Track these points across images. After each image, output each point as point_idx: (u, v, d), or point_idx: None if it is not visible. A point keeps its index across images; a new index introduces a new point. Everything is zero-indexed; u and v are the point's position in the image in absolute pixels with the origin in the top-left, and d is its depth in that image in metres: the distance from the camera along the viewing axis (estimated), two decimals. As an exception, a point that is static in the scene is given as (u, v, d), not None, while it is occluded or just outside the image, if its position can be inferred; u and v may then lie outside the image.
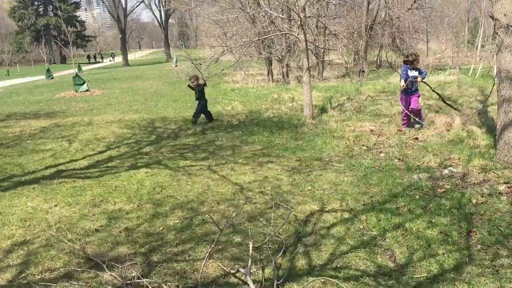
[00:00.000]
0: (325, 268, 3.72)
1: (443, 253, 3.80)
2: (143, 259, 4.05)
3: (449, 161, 6.26)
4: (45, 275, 3.84)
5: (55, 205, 5.48)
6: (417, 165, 6.14)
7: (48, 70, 30.60)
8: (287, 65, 17.82)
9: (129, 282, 3.63)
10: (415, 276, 3.51)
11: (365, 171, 6.08)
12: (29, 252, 4.29)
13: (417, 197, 5.04)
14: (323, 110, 10.82)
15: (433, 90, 8.62)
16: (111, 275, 3.74)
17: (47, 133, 10.08)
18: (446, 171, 5.81)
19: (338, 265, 3.74)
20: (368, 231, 4.35)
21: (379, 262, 3.76)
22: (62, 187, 6.15)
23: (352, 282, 3.47)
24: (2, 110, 14.50)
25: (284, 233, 4.44)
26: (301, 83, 11.13)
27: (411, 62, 8.19)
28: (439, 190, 5.21)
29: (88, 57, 65.79)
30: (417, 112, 8.18)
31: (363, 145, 7.42)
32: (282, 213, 4.93)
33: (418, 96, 8.34)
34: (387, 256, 3.85)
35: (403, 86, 8.13)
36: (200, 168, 6.76)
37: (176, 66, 32.87)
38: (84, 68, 41.45)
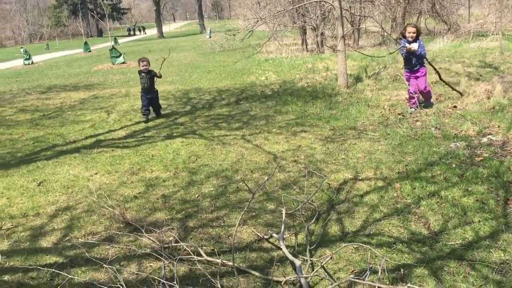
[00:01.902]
0: (357, 235, 3.74)
1: (479, 221, 3.74)
2: (179, 224, 4.18)
3: (488, 129, 6.08)
4: (87, 238, 4.03)
5: (96, 173, 5.69)
6: (455, 134, 5.99)
7: (85, 43, 31.20)
8: (322, 34, 17.50)
9: (166, 245, 3.77)
10: (449, 243, 3.48)
11: (400, 139, 6.00)
12: (72, 217, 4.50)
13: (454, 165, 4.95)
14: (358, 79, 10.63)
15: (431, 64, 7.65)
16: (149, 239, 3.90)
17: (86, 105, 10.37)
18: (485, 140, 5.65)
19: (371, 232, 3.76)
20: (402, 199, 4.32)
21: (413, 229, 3.75)
22: (101, 156, 6.36)
23: (385, 248, 3.49)
24: (43, 83, 14.96)
25: (317, 200, 4.47)
26: (336, 52, 10.93)
27: (403, 35, 7.30)
28: (476, 158, 5.09)
29: (129, 29, 66.43)
30: (426, 94, 7.43)
31: (399, 114, 7.29)
32: (315, 181, 4.95)
33: (425, 75, 7.37)
34: (421, 224, 3.83)
35: (408, 50, 7.06)
36: (234, 138, 6.83)
37: (210, 37, 32.81)
38: (120, 41, 41.97)
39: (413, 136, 6.11)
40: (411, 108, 7.47)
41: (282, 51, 17.91)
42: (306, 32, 18.91)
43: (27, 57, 23.65)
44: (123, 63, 19.13)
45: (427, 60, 7.38)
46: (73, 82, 14.70)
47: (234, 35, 14.89)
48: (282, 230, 3.62)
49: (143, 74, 8.35)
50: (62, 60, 25.35)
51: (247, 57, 17.64)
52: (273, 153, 5.96)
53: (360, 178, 4.93)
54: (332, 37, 17.87)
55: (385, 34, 19.18)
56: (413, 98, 7.40)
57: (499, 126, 6.10)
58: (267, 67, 14.37)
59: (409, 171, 4.93)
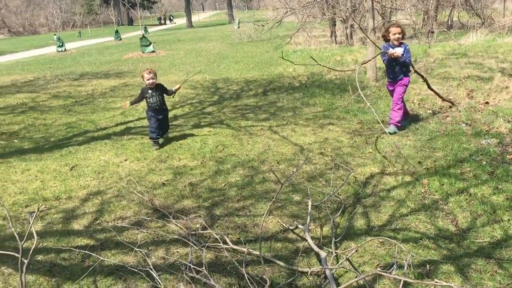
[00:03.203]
0: (383, 229, 3.74)
1: (509, 219, 3.68)
2: (206, 212, 4.25)
3: (521, 127, 5.94)
4: (117, 223, 4.14)
5: (125, 160, 5.82)
6: (486, 130, 5.87)
7: (116, 31, 31.64)
8: (351, 26, 17.28)
9: (193, 232, 3.84)
10: (477, 240, 3.45)
11: (429, 135, 5.92)
12: (103, 201, 4.63)
13: (484, 162, 4.87)
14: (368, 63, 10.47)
15: (417, 72, 6.18)
16: (177, 225, 3.98)
17: (116, 92, 10.56)
18: (517, 137, 5.53)
19: (397, 227, 3.75)
20: (430, 195, 4.29)
21: (440, 226, 3.72)
22: (131, 143, 6.49)
23: (410, 243, 3.48)
24: (76, 70, 15.28)
25: (343, 193, 4.47)
26: (366, 44, 10.80)
27: (385, 38, 6.09)
28: (508, 156, 4.99)
29: (159, 19, 66.93)
30: (393, 110, 6.23)
31: (429, 109, 7.18)
32: (342, 174, 4.95)
33: (405, 85, 6.15)
34: (449, 220, 3.80)
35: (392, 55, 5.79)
36: (261, 128, 6.86)
37: (238, 27, 32.80)
38: (150, 30, 42.38)
39: (442, 131, 6.02)
40: (391, 125, 6.21)
41: (310, 43, 17.78)
42: (335, 24, 18.70)
43: (60, 44, 24.15)
44: (153, 52, 19.34)
45: (413, 67, 6.10)
46: (104, 69, 14.96)
47: (262, 25, 14.87)
48: (308, 221, 3.65)
49: (150, 92, 6.19)
50: (94, 48, 25.79)
51: (276, 48, 17.59)
52: (299, 145, 5.97)
53: (387, 172, 4.90)
54: (363, 29, 17.63)
55: (416, 27, 18.83)
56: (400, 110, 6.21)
57: (532, 124, 5.95)
58: (295, 58, 14.30)
59: (437, 167, 4.87)
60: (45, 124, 7.89)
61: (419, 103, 7.57)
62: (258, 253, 3.34)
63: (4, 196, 4.84)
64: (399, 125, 6.22)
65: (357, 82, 4.29)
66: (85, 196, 4.78)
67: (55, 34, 35.47)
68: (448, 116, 6.75)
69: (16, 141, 6.94)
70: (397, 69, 6.08)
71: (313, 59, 4.18)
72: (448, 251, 3.34)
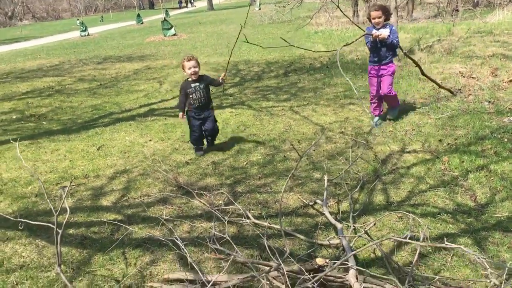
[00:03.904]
0: (402, 205, 3.81)
1: (528, 195, 3.71)
2: (228, 189, 4.38)
3: (546, 104, 5.87)
4: (143, 199, 4.31)
5: (150, 140, 5.98)
6: (509, 108, 5.83)
7: (138, 15, 31.84)
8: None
9: (216, 208, 3.97)
10: (496, 215, 3.49)
11: (451, 113, 5.90)
12: (129, 179, 4.80)
13: (506, 140, 4.85)
14: (410, 51, 10.36)
15: (409, 57, 6.03)
16: (200, 201, 4.12)
17: (139, 75, 10.74)
18: (541, 115, 5.48)
19: (416, 202, 3.81)
20: (449, 171, 4.32)
21: (459, 201, 3.76)
22: (155, 124, 6.65)
23: (429, 218, 3.54)
24: (99, 54, 15.54)
25: (362, 171, 4.54)
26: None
27: (370, 20, 5.62)
28: (531, 133, 4.97)
29: (180, 2, 66.85)
30: (391, 99, 5.82)
31: (451, 87, 7.12)
32: (362, 152, 5.01)
33: (392, 74, 5.69)
34: (468, 196, 3.84)
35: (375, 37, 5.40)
36: (282, 109, 6.94)
37: (259, 9, 32.60)
38: (171, 13, 42.47)
39: (464, 110, 5.99)
40: (375, 116, 5.94)
41: (332, 24, 17.63)
42: (357, 4, 18.46)
43: (83, 28, 24.49)
44: (174, 35, 19.47)
45: (402, 50, 5.83)
46: (127, 53, 15.17)
47: (284, 6, 14.79)
48: (325, 196, 3.73)
49: (193, 85, 5.05)
50: (116, 32, 26.06)
51: (296, 29, 17.50)
52: (320, 125, 6.03)
53: (407, 150, 4.94)
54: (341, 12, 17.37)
55: (441, 5, 18.44)
56: (376, 103, 5.88)
57: (557, 102, 5.87)
58: (317, 39, 14.23)
59: (458, 145, 4.88)
60: (71, 106, 8.12)
61: (441, 82, 7.50)
62: (278, 227, 3.46)
63: (36, 175, 5.05)
64: (398, 104, 5.99)
65: (338, 62, 4.30)
66: (112, 174, 4.97)
67: (78, 19, 35.93)
68: (470, 94, 6.69)
69: (45, 123, 7.19)
70: (383, 52, 5.56)
71: (284, 40, 3.94)
72: (466, 225, 3.39)
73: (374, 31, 5.44)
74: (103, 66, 12.61)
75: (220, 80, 5.18)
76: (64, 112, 7.78)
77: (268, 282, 2.42)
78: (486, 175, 4.14)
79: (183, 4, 64.95)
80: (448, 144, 4.95)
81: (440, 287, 2.36)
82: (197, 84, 5.07)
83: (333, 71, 9.16)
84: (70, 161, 5.42)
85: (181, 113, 5.25)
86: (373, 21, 5.54)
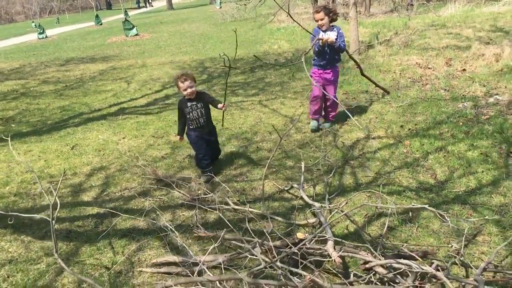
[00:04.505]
0: (370, 185, 4.10)
1: (482, 171, 4.08)
2: (206, 179, 4.56)
3: (495, 90, 6.33)
4: (123, 193, 4.44)
5: (123, 137, 6.08)
6: (463, 95, 6.26)
7: (97, 16, 31.28)
8: (333, 2, 17.50)
9: (196, 197, 4.16)
10: (454, 190, 3.83)
11: (410, 101, 6.28)
12: (107, 175, 4.91)
13: (461, 123, 5.25)
14: (369, 46, 10.79)
15: (352, 57, 5.63)
16: (179, 192, 4.29)
17: (105, 76, 10.72)
18: (491, 99, 5.92)
19: (383, 183, 4.11)
20: (411, 154, 4.66)
21: (421, 180, 4.09)
22: (127, 122, 6.74)
23: (395, 196, 3.85)
24: (60, 56, 15.30)
25: (332, 157, 4.82)
26: (347, 19, 11.07)
27: (316, 20, 5.28)
28: (483, 117, 5.38)
29: (138, 2, 65.81)
30: (334, 104, 5.68)
31: (409, 78, 7.54)
32: (330, 140, 5.29)
33: (337, 79, 5.60)
34: (429, 175, 4.18)
35: (315, 46, 5.20)
36: (252, 103, 7.16)
37: (220, 7, 32.69)
38: (130, 13, 41.92)
39: (423, 98, 6.38)
40: (313, 119, 5.69)
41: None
42: (317, 0, 18.89)
43: (41, 31, 23.92)
44: (136, 35, 19.34)
45: (347, 53, 5.57)
46: (89, 54, 15.01)
47: (245, 5, 14.99)
48: (302, 180, 3.98)
49: (189, 104, 4.55)
50: (75, 34, 25.58)
51: (259, 27, 17.75)
52: (289, 116, 6.28)
53: (372, 137, 5.26)
54: (344, 4, 17.86)
55: (397, 0, 19.11)
56: (317, 105, 5.58)
57: (506, 87, 6.34)
58: (280, 36, 14.52)
59: (418, 130, 5.24)
60: (39, 108, 8.07)
61: (400, 73, 7.91)
62: (258, 211, 3.68)
63: (12, 175, 5.08)
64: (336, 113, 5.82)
65: (305, 69, 4.53)
66: (89, 171, 5.05)
67: (33, 22, 34.99)
68: (427, 84, 7.11)
69: (14, 125, 7.14)
70: (329, 56, 5.31)
71: (256, 57, 3.94)
72: (428, 200, 3.72)
73: (321, 34, 5.18)
74: (66, 68, 12.48)
75: (219, 107, 4.49)
76: (32, 114, 7.73)
77: (254, 256, 2.63)
78: (445, 156, 4.49)
79: (142, 4, 64.06)
80: (409, 129, 5.30)
81: (408, 253, 2.63)
82: (194, 103, 4.53)
83: (297, 66, 9.45)
84: (45, 161, 5.46)
85: (178, 137, 4.70)
86: (317, 23, 5.26)
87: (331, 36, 5.13)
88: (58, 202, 3.08)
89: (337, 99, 5.37)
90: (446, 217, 2.40)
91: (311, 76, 5.53)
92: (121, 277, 3.13)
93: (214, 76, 9.60)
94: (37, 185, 4.78)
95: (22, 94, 9.34)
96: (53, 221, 2.83)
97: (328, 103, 5.69)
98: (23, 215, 3.31)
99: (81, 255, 3.44)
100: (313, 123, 5.66)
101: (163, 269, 3.07)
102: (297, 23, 4.51)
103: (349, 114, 3.58)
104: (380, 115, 5.93)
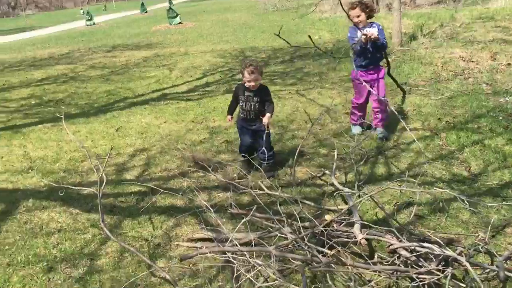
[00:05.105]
0: (402, 176, 4.15)
1: (518, 165, 4.06)
2: (241, 165, 4.73)
3: (540, 85, 6.19)
4: (163, 174, 4.68)
5: (164, 122, 6.33)
6: (506, 89, 6.15)
7: (142, 4, 32.01)
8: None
9: (231, 181, 4.32)
10: (487, 183, 3.84)
11: (450, 94, 6.22)
12: (149, 156, 5.17)
13: (501, 118, 5.19)
14: (413, 37, 10.64)
15: (385, 57, 5.38)
16: (215, 175, 4.47)
17: (149, 62, 11.07)
18: (535, 95, 5.81)
19: (415, 173, 4.16)
20: (446, 146, 4.66)
21: (454, 172, 4.12)
22: (168, 108, 7.00)
23: (426, 187, 3.89)
24: (107, 42, 15.84)
25: (366, 147, 4.88)
26: (391, 10, 10.95)
27: (350, 18, 4.91)
28: (524, 112, 5.30)
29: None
30: (384, 106, 5.05)
31: (451, 71, 7.43)
32: (365, 130, 5.34)
33: (383, 77, 5.10)
34: (463, 167, 4.19)
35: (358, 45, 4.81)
36: (289, 92, 7.27)
37: (263, -3, 32.70)
38: (174, 1, 42.55)
39: (463, 91, 6.31)
40: (354, 125, 5.37)
41: (336, 10, 17.84)
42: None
43: (89, 18, 24.75)
44: (180, 23, 19.73)
45: (385, 52, 5.21)
46: (134, 41, 15.47)
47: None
48: (334, 166, 4.07)
49: (246, 94, 4.39)
50: (122, 21, 26.32)
51: (301, 17, 17.74)
52: (326, 106, 6.36)
53: (409, 128, 5.27)
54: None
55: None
56: (361, 112, 5.27)
57: (552, 83, 6.19)
58: (321, 26, 14.49)
59: (456, 123, 5.22)
60: (87, 92, 8.47)
61: (442, 66, 7.81)
62: (289, 195, 3.81)
63: (61, 153, 5.42)
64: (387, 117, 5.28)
65: (353, 65, 4.46)
66: (132, 152, 5.33)
67: (81, 9, 36.15)
68: (470, 77, 7.00)
69: (63, 107, 7.55)
70: (372, 54, 4.91)
71: (314, 44, 3.73)
72: (460, 192, 3.74)
73: (366, 30, 4.72)
74: (112, 54, 12.93)
75: (263, 119, 4.31)
76: (80, 97, 8.13)
77: (283, 235, 2.77)
78: (481, 149, 4.48)
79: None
80: (447, 122, 5.29)
81: (433, 238, 2.70)
82: (251, 94, 4.34)
83: (337, 56, 9.45)
84: (91, 141, 5.78)
85: (229, 116, 4.70)
86: (353, 20, 4.86)
87: (372, 32, 4.69)
88: (105, 177, 3.31)
89: (387, 101, 4.75)
90: (465, 201, 2.44)
91: (354, 79, 5.15)
92: (159, 249, 3.36)
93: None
94: (84, 163, 5.09)
95: (71, 78, 9.80)
96: (100, 194, 3.07)
97: (374, 105, 5.10)
98: (73, 187, 3.57)
99: (124, 228, 3.69)
100: (357, 128, 5.31)
101: (198, 244, 3.26)
102: (345, 11, 4.50)
103: (400, 118, 3.22)
104: (418, 107, 5.92)
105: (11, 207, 4.12)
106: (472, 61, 7.86)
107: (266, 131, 4.31)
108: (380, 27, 4.91)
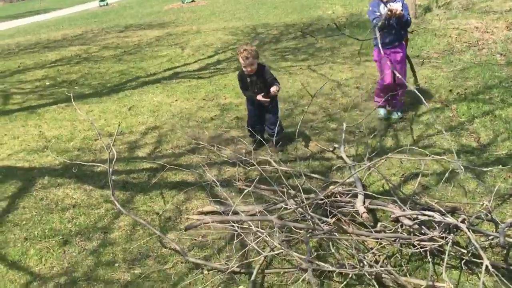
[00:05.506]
0: (411, 147, 4.15)
1: (528, 135, 4.02)
2: (250, 140, 4.77)
3: (556, 54, 6.06)
4: (175, 150, 4.76)
5: (176, 100, 6.39)
6: (520, 59, 6.04)
7: (155, -17, 31.83)
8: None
9: (240, 157, 4.38)
10: (496, 153, 3.83)
11: (463, 66, 6.14)
12: (160, 134, 5.24)
13: (513, 88, 5.12)
14: (427, 9, 10.44)
15: (406, 42, 4.98)
16: (219, 153, 4.52)
17: (161, 41, 11.09)
18: (550, 64, 5.69)
19: (424, 144, 4.15)
20: (457, 118, 4.63)
21: (463, 143, 4.10)
22: (179, 86, 7.05)
23: (430, 155, 3.88)
24: (120, 22, 15.89)
25: (375, 120, 4.87)
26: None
27: None
28: (538, 82, 5.21)
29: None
30: (404, 86, 4.80)
31: (465, 42, 7.30)
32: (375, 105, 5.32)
33: (405, 57, 4.92)
34: (472, 138, 4.17)
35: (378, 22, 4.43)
36: (300, 68, 7.24)
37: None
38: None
39: (477, 62, 6.21)
40: (381, 107, 4.98)
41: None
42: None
43: (103, -2, 24.78)
44: (192, 1, 19.64)
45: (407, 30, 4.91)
46: (147, 21, 15.48)
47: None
48: (343, 137, 4.07)
49: (250, 79, 4.45)
50: (134, 1, 26.28)
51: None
52: (336, 81, 6.34)
53: (419, 101, 5.23)
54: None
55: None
56: (387, 92, 4.68)
57: None
58: (335, 0, 14.28)
59: (467, 94, 5.16)
60: (100, 72, 8.56)
61: (456, 37, 7.67)
62: (293, 169, 3.85)
63: (75, 132, 5.54)
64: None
65: (379, 45, 4.38)
66: (144, 130, 5.41)
67: (96, -10, 36.08)
68: (484, 48, 6.88)
69: (77, 87, 7.66)
70: (396, 31, 4.66)
71: (336, 26, 3.66)
72: (468, 162, 3.74)
73: (390, 4, 4.47)
74: (125, 34, 12.98)
75: (271, 90, 4.32)
76: (93, 77, 8.23)
77: (287, 207, 2.83)
78: (491, 120, 4.44)
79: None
80: (458, 93, 5.24)
81: (436, 207, 2.73)
82: (254, 78, 4.40)
83: (350, 31, 9.34)
84: (104, 120, 5.88)
85: (259, 96, 4.44)
86: None
87: (397, 8, 4.41)
88: (115, 152, 3.40)
89: (406, 81, 4.45)
90: (461, 166, 2.44)
91: (378, 58, 4.84)
92: (170, 222, 3.46)
93: (265, 41, 9.70)
94: (98, 141, 5.20)
95: (85, 59, 9.90)
96: (111, 169, 3.16)
97: (398, 88, 4.83)
98: (86, 163, 3.68)
99: (135, 202, 3.79)
100: (382, 111, 4.98)
101: (207, 218, 3.35)
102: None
103: (423, 101, 3.02)
104: (430, 79, 5.86)
105: (27, 185, 4.25)
106: (487, 32, 7.70)
107: (268, 103, 4.35)
108: (404, 2, 4.62)
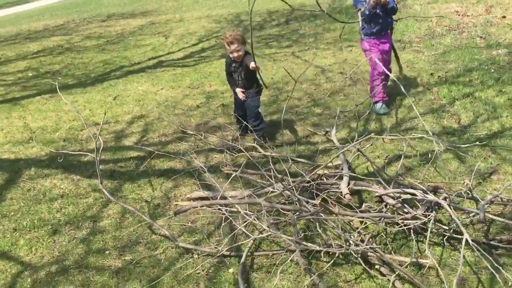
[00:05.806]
0: (393, 130, 4.24)
1: (507, 116, 4.14)
2: (236, 127, 4.81)
3: (534, 37, 6.19)
4: (161, 139, 4.78)
5: (161, 88, 6.39)
6: (498, 42, 6.15)
7: (135, -28, 31.38)
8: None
9: (227, 143, 4.42)
10: (476, 133, 3.93)
11: (444, 49, 6.23)
12: (146, 123, 5.25)
13: (492, 70, 5.23)
14: (409, -6, 10.52)
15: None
16: (205, 140, 4.55)
17: (145, 30, 11.00)
18: (528, 47, 5.82)
19: (406, 127, 4.24)
20: (438, 100, 4.73)
21: (445, 124, 4.20)
22: (164, 74, 7.04)
23: (417, 140, 3.98)
24: (102, 12, 15.67)
25: (359, 106, 4.94)
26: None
27: None
28: (516, 63, 5.33)
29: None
30: (387, 77, 4.73)
31: (446, 26, 7.40)
32: (358, 89, 5.40)
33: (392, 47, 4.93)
34: (453, 120, 4.27)
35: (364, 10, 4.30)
36: (284, 55, 7.27)
37: (258, -41, 32.00)
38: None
39: (457, 46, 6.32)
40: (379, 102, 4.75)
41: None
42: None
43: (83, -12, 24.36)
44: (174, -11, 19.42)
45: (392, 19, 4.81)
46: (129, 10, 15.30)
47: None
48: (336, 121, 4.14)
49: (234, 66, 4.38)
50: (115, -10, 25.89)
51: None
52: (320, 67, 6.39)
53: (401, 84, 5.31)
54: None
55: None
56: (382, 83, 4.65)
57: (545, 34, 6.18)
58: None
59: (448, 77, 5.26)
60: (83, 62, 8.49)
61: (436, 21, 7.76)
62: (279, 154, 3.91)
63: (61, 123, 5.51)
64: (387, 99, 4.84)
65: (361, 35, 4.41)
66: (130, 119, 5.41)
67: (75, -21, 35.41)
68: (464, 32, 6.98)
69: (60, 78, 7.59)
70: (383, 20, 4.56)
71: (318, 5, 3.62)
72: (450, 143, 3.84)
73: None
74: (107, 23, 12.83)
75: (250, 66, 4.10)
76: (77, 68, 8.16)
77: (275, 190, 2.89)
78: (471, 101, 4.55)
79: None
80: (439, 77, 5.34)
81: (419, 187, 2.81)
82: (238, 65, 4.33)
83: (333, 17, 9.36)
84: (89, 110, 5.86)
85: (237, 89, 4.45)
86: None
87: None
88: (102, 141, 3.42)
89: (390, 72, 4.42)
90: (442, 144, 2.53)
91: (366, 49, 4.71)
92: (159, 209, 3.50)
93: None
94: (84, 131, 5.18)
95: (67, 49, 9.78)
96: (98, 158, 3.18)
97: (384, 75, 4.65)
98: (72, 152, 3.69)
99: (124, 191, 3.82)
100: (383, 107, 4.71)
101: (195, 203, 3.39)
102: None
103: (403, 90, 3.06)
104: (411, 63, 5.95)
105: (14, 176, 4.25)
106: (467, 15, 7.81)
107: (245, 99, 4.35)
108: None
